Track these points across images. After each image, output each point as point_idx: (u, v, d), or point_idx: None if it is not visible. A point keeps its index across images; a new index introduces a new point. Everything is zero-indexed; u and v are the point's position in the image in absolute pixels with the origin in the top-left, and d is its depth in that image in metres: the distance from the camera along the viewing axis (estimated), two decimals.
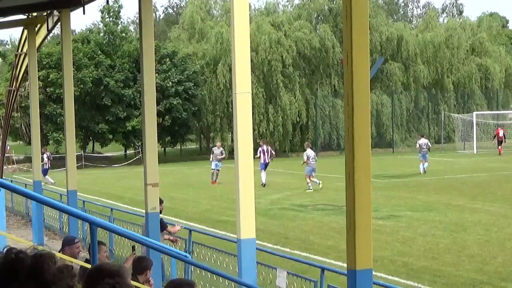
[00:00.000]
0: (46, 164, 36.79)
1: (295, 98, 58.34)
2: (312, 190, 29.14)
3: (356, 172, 5.59)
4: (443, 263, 14.80)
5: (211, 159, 35.21)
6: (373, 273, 5.98)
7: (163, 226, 12.47)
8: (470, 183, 30.12)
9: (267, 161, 33.09)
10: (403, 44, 62.74)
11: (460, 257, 15.32)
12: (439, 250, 16.14)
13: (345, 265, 6.14)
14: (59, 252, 9.68)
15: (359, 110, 5.60)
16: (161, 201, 13.07)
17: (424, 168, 35.91)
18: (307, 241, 17.74)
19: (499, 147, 50.99)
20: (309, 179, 30.03)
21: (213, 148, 36.89)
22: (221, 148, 36.74)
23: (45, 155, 36.42)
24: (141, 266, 8.22)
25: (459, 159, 46.08)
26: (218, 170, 34.21)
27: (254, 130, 51.15)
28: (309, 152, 30.86)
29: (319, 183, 29.75)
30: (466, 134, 57.96)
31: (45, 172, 35.58)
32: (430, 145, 39.22)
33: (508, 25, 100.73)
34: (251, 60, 10.55)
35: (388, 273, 13.83)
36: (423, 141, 37.08)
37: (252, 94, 10.05)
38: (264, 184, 31.54)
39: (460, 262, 14.86)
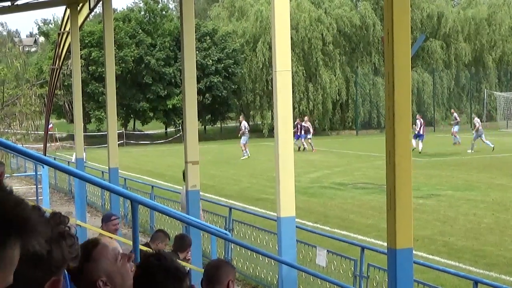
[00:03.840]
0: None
1: (335, 76, 58.03)
2: (246, 157, 34.32)
3: (397, 150, 5.57)
4: (485, 243, 14.65)
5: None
6: (414, 252, 5.97)
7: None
8: None
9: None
10: (443, 21, 61.85)
11: (503, 237, 15.14)
12: (481, 229, 15.98)
13: (385, 244, 6.13)
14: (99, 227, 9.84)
15: (400, 88, 5.56)
16: None
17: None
18: (347, 220, 17.71)
19: None
20: (245, 147, 34.95)
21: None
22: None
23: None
24: (184, 244, 8.34)
25: (501, 138, 45.38)
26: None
27: (294, 108, 51.04)
28: (246, 123, 37.28)
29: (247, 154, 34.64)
30: (509, 112, 57.08)
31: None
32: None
33: None
34: (291, 38, 10.48)
35: (428, 253, 13.75)
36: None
37: (292, 72, 10.01)
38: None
39: (502, 242, 14.69)
